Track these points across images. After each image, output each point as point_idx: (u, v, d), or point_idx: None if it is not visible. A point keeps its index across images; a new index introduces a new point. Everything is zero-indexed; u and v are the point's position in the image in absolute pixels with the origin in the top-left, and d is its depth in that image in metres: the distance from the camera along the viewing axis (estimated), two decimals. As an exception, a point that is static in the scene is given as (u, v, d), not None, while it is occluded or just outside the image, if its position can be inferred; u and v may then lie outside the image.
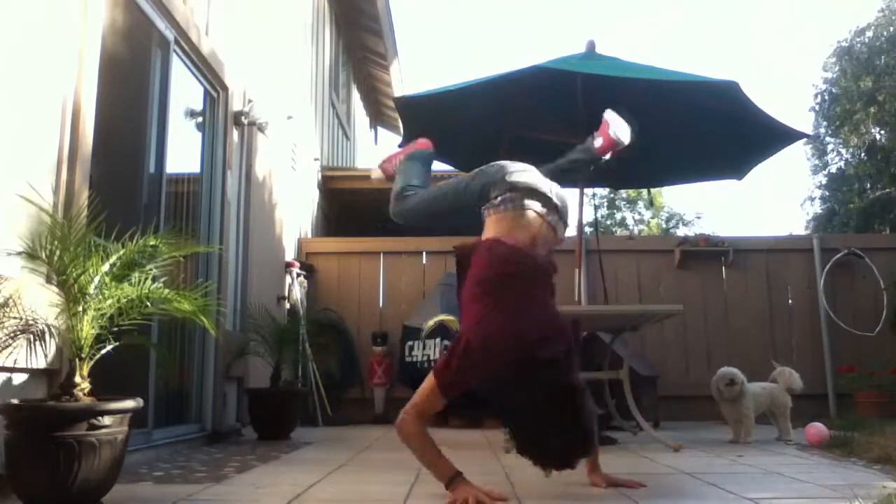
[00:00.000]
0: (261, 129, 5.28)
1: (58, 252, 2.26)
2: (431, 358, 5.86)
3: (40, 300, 2.36)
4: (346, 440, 4.60)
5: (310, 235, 7.29)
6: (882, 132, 17.37)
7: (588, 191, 15.24)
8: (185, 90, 4.27)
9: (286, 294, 6.09)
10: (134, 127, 3.71)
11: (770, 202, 44.05)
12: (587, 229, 9.30)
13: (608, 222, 24.88)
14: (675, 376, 6.33)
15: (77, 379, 2.23)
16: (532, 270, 2.51)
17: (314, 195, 7.73)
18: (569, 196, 2.84)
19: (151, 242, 2.45)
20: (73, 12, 2.92)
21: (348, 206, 8.75)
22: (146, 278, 2.39)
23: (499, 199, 2.61)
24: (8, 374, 2.41)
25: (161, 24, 3.82)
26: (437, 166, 5.72)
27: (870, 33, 17.60)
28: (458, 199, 2.75)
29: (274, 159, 5.93)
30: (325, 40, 8.27)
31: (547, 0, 51.62)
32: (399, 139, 5.40)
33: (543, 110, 4.99)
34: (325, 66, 8.21)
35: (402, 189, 2.96)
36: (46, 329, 2.31)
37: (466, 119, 4.87)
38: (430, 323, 5.82)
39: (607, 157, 3.04)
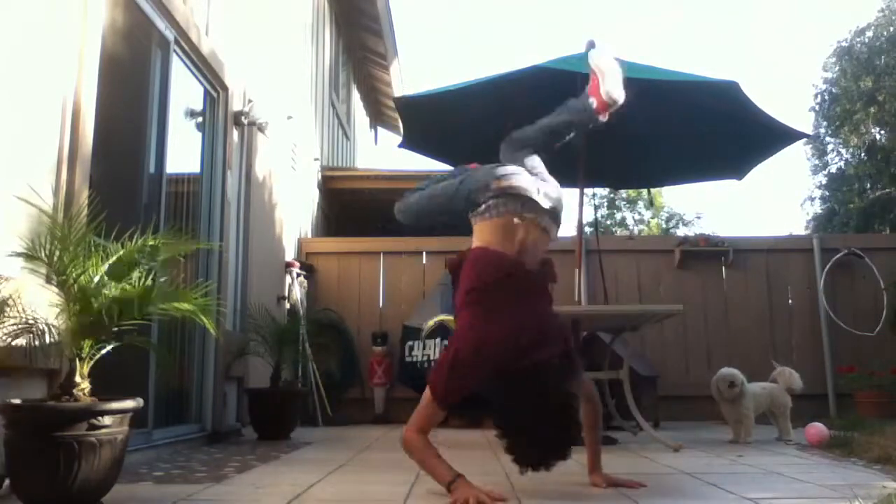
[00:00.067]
0: (261, 129, 5.28)
1: (58, 252, 2.26)
2: (431, 358, 5.87)
3: (40, 300, 2.36)
4: (346, 440, 4.60)
5: (310, 235, 7.28)
6: (882, 132, 17.38)
7: (588, 191, 15.21)
8: (185, 90, 4.26)
9: (286, 294, 6.09)
10: (134, 127, 3.71)
11: (770, 202, 44.12)
12: (587, 229, 9.29)
13: (608, 222, 24.89)
14: (675, 376, 6.32)
15: (77, 379, 2.23)
16: (520, 278, 2.51)
17: (314, 195, 7.73)
18: (564, 192, 2.81)
19: (151, 242, 2.45)
20: (73, 12, 2.92)
21: (348, 206, 8.75)
22: (146, 278, 2.38)
23: (483, 206, 2.60)
24: (8, 374, 2.41)
25: (161, 24, 3.82)
26: (438, 166, 5.76)
27: (870, 33, 17.61)
28: (451, 203, 2.76)
29: (274, 159, 5.93)
30: (325, 40, 8.27)
31: (547, 0, 51.63)
32: (399, 139, 5.40)
33: (543, 110, 4.97)
34: (325, 66, 8.21)
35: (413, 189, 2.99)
36: (46, 329, 2.31)
37: (466, 119, 4.87)
38: (430, 323, 5.81)
39: (604, 118, 2.80)
